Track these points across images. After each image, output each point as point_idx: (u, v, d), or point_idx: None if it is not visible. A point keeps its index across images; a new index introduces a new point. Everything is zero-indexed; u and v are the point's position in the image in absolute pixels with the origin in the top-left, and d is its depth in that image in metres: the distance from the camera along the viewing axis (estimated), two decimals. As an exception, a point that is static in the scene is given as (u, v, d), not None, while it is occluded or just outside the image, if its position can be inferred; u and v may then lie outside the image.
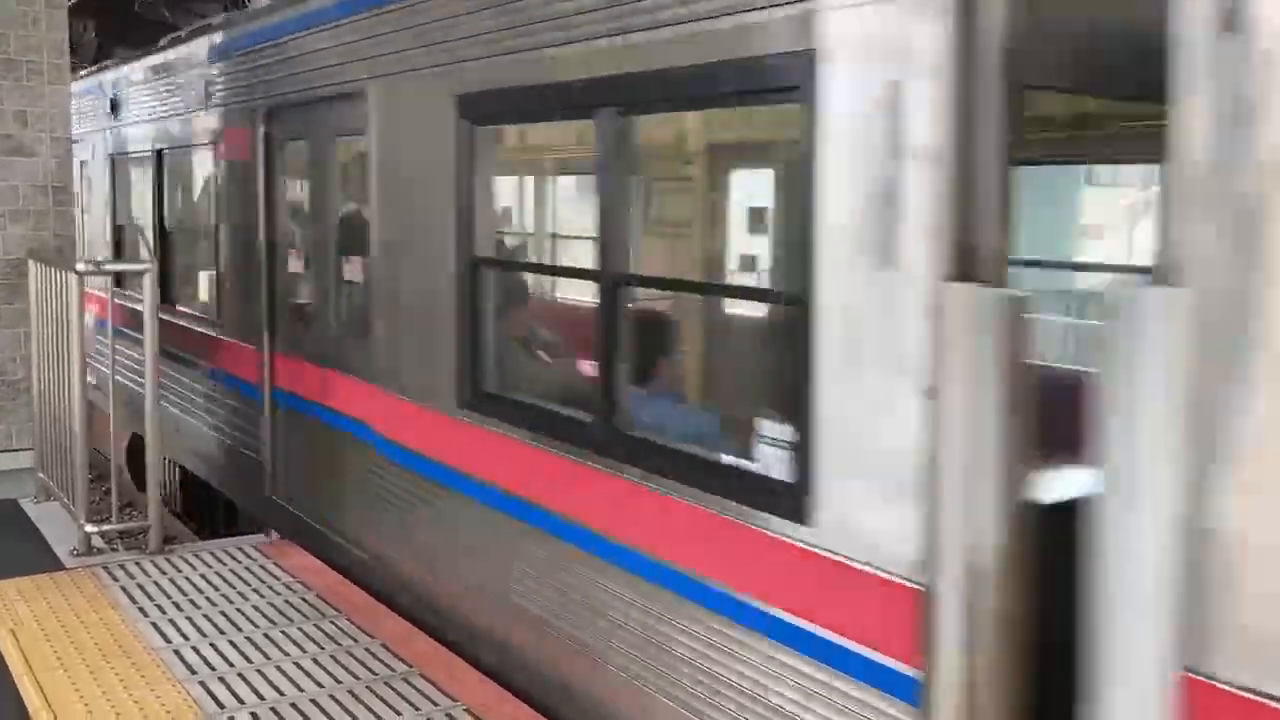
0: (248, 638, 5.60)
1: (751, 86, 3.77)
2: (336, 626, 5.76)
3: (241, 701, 4.90)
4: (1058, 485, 3.24)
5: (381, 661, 5.34)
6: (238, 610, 5.97)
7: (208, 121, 8.28)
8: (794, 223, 3.57)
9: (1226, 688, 2.44)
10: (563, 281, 6.83)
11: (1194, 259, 2.47)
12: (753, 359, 5.54)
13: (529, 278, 6.88)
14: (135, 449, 9.57)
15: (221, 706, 4.86)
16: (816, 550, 3.49)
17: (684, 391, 5.65)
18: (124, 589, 6.26)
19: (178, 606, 6.02)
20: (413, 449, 5.79)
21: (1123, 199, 9.05)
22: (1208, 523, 2.46)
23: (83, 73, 11.86)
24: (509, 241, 7.49)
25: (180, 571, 6.59)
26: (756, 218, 6.39)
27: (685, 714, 4.03)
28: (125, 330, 9.19)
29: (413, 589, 5.85)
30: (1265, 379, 2.37)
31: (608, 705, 4.44)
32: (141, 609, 5.97)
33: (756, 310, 5.63)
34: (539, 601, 4.80)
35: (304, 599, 6.16)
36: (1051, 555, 2.93)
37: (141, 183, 10.33)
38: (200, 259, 9.11)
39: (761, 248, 6.42)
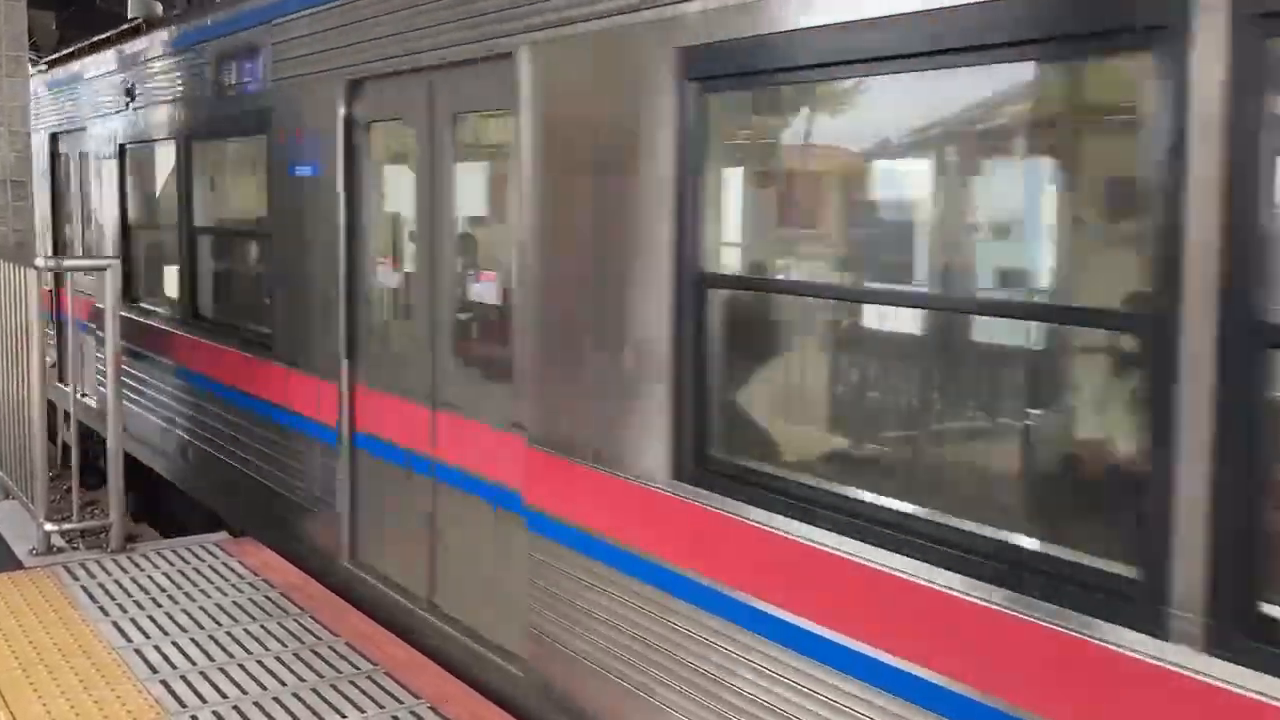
0: (210, 636, 5.58)
1: None
2: (300, 624, 5.75)
3: (204, 700, 4.88)
4: None
5: (345, 659, 5.33)
6: (200, 609, 5.94)
7: None
8: None
9: None
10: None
11: None
12: None
13: None
14: None
15: (183, 705, 4.83)
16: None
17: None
18: (84, 588, 6.22)
19: (139, 605, 5.98)
20: None
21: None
22: None
23: None
24: None
25: (142, 570, 6.55)
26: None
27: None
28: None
29: None
30: None
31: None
32: (102, 608, 5.93)
33: None
34: None
35: (267, 596, 6.14)
36: None
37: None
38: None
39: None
